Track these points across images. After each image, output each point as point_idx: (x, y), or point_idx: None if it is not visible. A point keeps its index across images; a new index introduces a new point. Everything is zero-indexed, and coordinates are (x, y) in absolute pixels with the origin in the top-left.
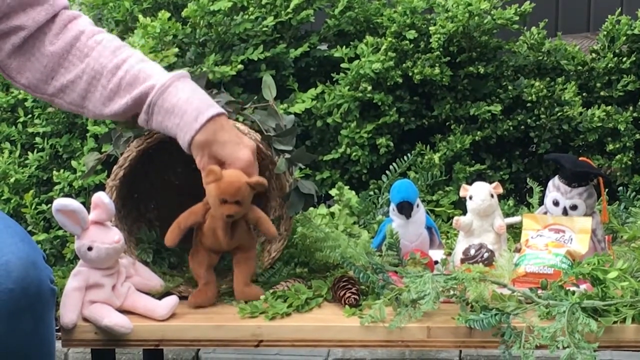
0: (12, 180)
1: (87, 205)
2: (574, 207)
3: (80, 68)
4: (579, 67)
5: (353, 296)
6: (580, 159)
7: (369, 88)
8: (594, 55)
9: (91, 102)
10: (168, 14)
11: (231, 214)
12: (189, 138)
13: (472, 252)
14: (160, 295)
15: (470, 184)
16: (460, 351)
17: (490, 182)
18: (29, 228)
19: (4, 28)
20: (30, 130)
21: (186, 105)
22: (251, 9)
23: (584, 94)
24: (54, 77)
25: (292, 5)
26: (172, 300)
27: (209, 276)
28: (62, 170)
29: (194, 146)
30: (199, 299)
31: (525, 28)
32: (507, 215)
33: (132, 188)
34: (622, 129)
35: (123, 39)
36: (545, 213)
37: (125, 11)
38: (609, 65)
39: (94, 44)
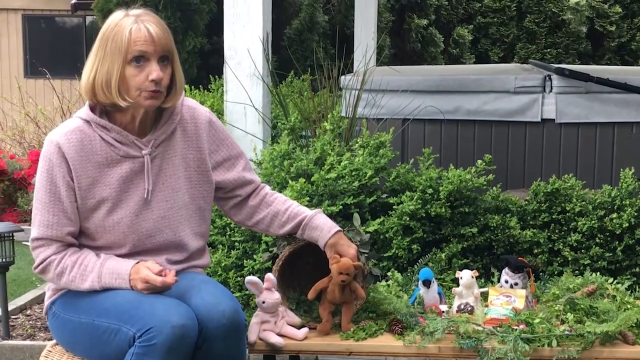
0: (222, 264)
1: (262, 279)
2: (516, 284)
3: (267, 211)
4: (518, 208)
5: (400, 329)
6: (519, 258)
7: (408, 219)
8: (526, 201)
9: (272, 228)
10: (303, 180)
11: (344, 280)
12: (324, 242)
13: (462, 307)
14: (299, 327)
15: (461, 270)
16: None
17: (472, 270)
18: (231, 289)
19: (230, 195)
20: (232, 239)
21: (323, 225)
22: (346, 177)
23: (521, 223)
24: (252, 217)
25: (367, 176)
26: (305, 330)
27: (328, 317)
28: (249, 260)
29: (327, 245)
30: (323, 329)
31: (489, 187)
32: (480, 287)
33: (285, 270)
34: (542, 242)
35: (281, 192)
36: (501, 287)
37: (281, 179)
38: (534, 207)
39: (272, 199)
